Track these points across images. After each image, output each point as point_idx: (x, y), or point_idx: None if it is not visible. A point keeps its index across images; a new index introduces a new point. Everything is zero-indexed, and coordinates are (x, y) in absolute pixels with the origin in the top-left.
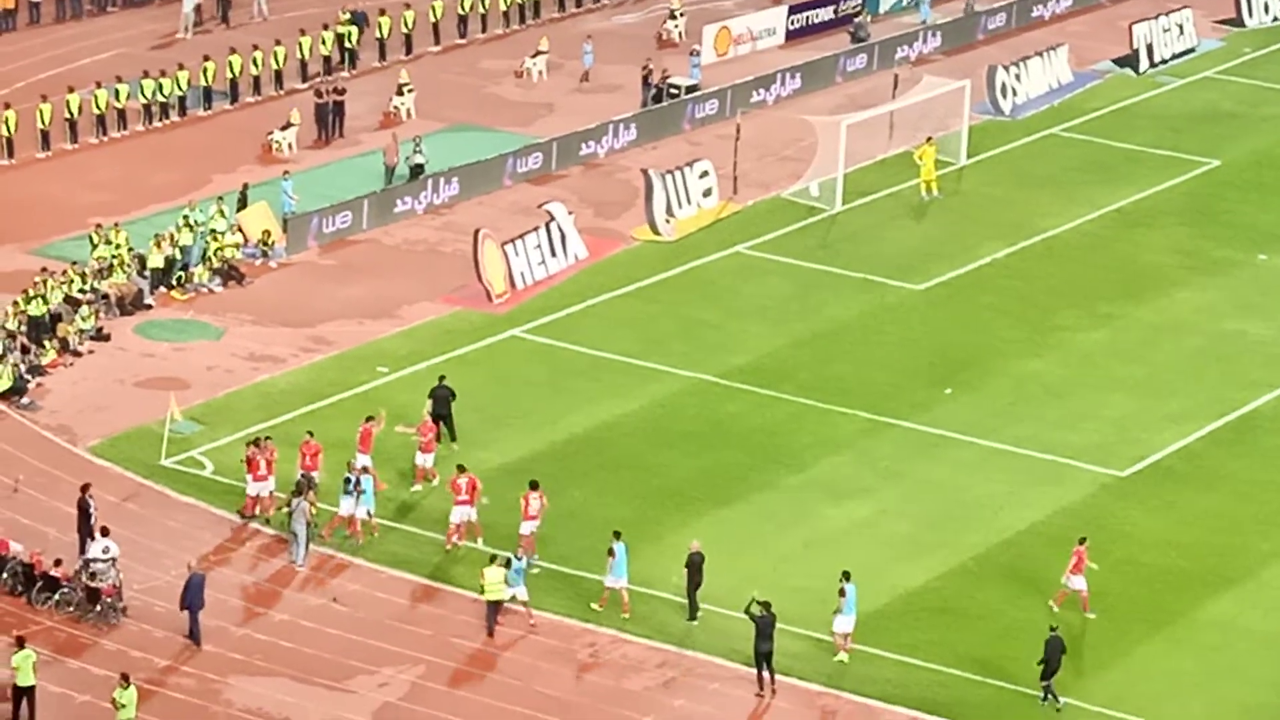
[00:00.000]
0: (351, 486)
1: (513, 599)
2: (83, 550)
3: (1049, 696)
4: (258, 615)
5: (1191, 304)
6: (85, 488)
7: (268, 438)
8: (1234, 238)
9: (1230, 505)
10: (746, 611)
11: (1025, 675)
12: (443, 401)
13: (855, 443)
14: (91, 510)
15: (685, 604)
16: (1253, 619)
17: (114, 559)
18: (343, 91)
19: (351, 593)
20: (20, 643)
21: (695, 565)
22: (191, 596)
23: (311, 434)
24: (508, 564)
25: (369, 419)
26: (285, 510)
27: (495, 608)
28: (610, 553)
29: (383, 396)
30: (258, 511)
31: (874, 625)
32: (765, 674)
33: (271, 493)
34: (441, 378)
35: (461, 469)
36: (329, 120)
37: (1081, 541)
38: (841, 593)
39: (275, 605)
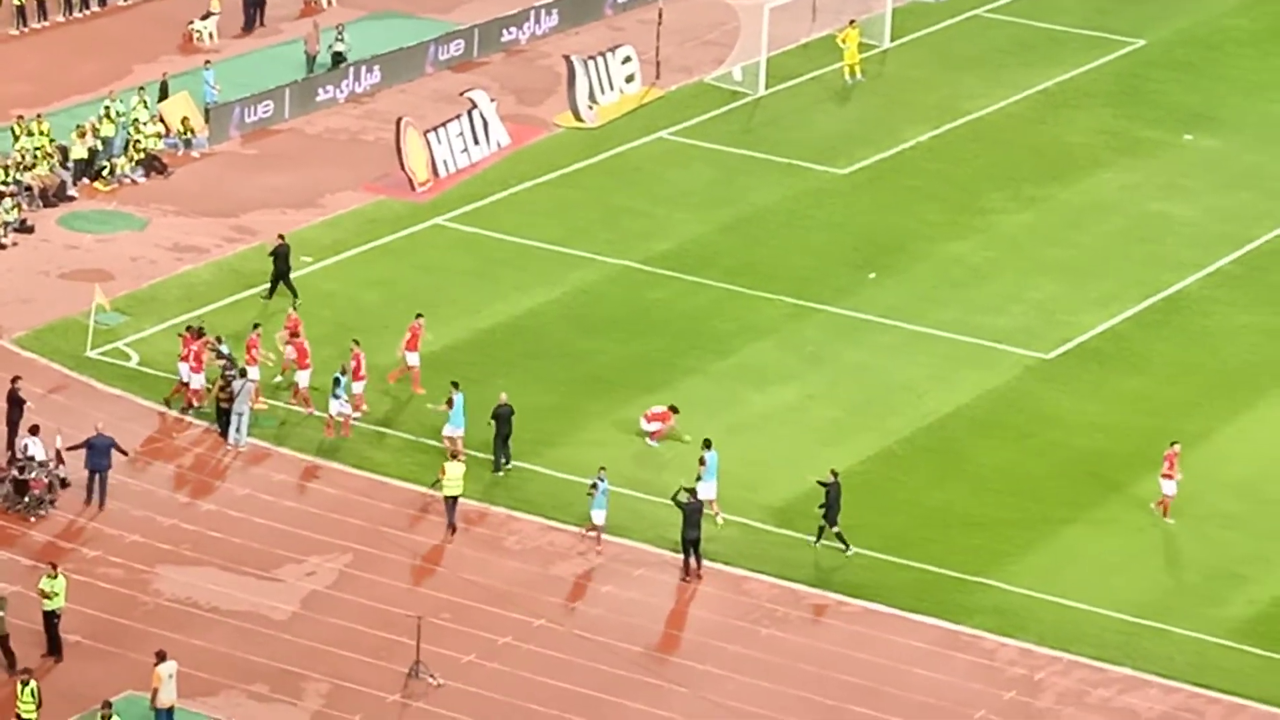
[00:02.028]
0: (341, 387)
1: (591, 526)
2: (11, 443)
3: (831, 539)
4: (185, 505)
5: (1117, 185)
6: (15, 380)
7: (205, 333)
8: (1160, 118)
9: (1156, 387)
10: (674, 499)
11: (951, 558)
12: (283, 258)
13: (780, 328)
14: (21, 400)
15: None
16: (1178, 499)
17: (41, 463)
18: None
19: (278, 482)
20: None
21: (503, 417)
22: (95, 458)
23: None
24: (594, 486)
25: (418, 315)
26: (223, 392)
27: (453, 503)
28: (448, 403)
29: (307, 285)
30: (194, 404)
31: (799, 509)
32: (692, 560)
33: (205, 386)
34: (281, 236)
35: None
36: (253, 9)
37: (1173, 444)
38: (702, 460)
39: (203, 495)
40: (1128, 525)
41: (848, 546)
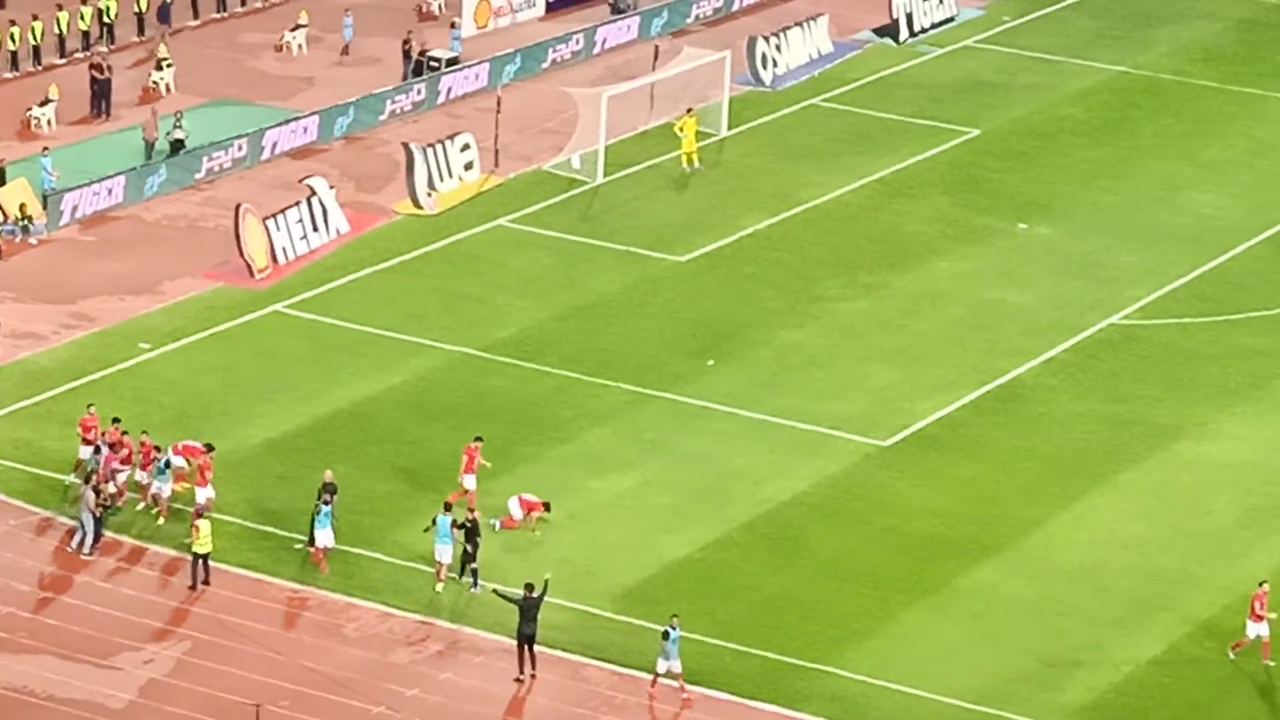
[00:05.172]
0: (324, 514)
1: (667, 673)
2: None
3: (472, 580)
4: (22, 593)
5: (952, 273)
6: None
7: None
8: (994, 206)
9: (991, 473)
10: (503, 594)
11: (789, 644)
12: None
13: (618, 415)
14: None
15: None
16: (1014, 586)
17: None
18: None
19: (116, 569)
20: None
21: (328, 488)
22: None
23: (92, 406)
24: (666, 635)
25: (477, 439)
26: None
27: (201, 560)
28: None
29: (147, 371)
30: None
31: (638, 596)
32: (527, 654)
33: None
34: None
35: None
36: (102, 96)
37: (1261, 585)
38: (434, 521)
39: (41, 584)
40: (964, 611)
41: (475, 583)
